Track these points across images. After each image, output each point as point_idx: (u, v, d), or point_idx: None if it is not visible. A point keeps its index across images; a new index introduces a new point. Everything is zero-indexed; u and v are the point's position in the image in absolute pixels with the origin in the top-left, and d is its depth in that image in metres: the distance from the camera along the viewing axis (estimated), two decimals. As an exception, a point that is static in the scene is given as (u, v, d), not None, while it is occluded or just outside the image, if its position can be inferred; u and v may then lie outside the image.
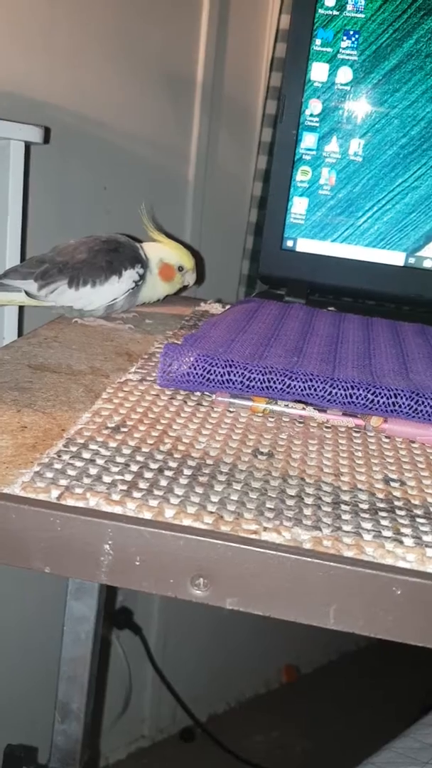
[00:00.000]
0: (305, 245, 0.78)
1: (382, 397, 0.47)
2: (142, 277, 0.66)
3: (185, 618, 1.36)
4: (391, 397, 0.47)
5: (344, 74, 0.73)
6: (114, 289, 0.64)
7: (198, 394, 0.50)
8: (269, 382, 0.48)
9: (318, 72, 0.74)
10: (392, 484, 0.40)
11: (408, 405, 0.46)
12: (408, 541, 0.34)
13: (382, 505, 0.38)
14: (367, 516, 0.36)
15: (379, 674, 1.66)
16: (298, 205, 0.77)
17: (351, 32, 0.72)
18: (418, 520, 0.36)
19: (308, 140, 0.75)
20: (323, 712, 1.55)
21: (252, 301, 0.70)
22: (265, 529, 0.34)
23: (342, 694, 1.61)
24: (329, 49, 0.73)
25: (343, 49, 0.73)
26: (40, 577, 1.02)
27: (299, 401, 0.48)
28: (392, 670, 1.63)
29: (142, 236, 0.71)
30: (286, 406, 0.48)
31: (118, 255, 0.65)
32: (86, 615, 0.69)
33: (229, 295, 1.15)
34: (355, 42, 0.72)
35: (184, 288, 0.73)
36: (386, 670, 1.65)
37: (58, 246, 0.67)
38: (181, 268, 0.69)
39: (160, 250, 0.69)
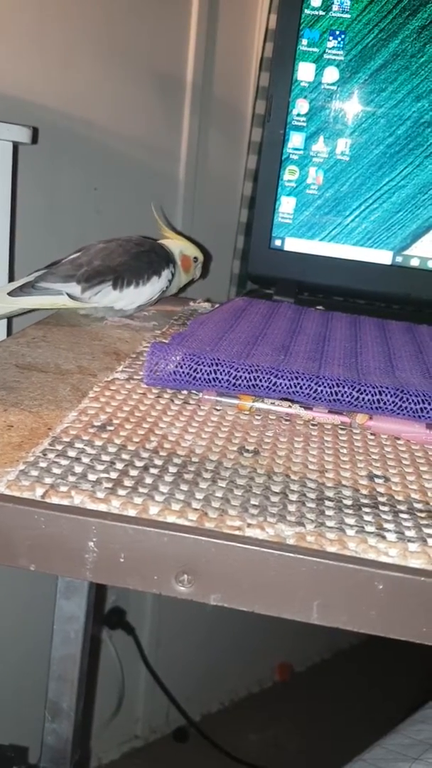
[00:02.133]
0: (293, 244, 0.78)
1: (367, 395, 0.47)
2: (173, 275, 0.71)
3: (178, 617, 1.36)
4: (375, 395, 0.47)
5: (331, 74, 0.74)
6: (153, 288, 0.68)
7: (185, 392, 0.51)
8: (255, 380, 0.48)
9: (305, 72, 0.74)
10: (376, 480, 0.41)
11: (392, 402, 0.47)
12: (391, 536, 0.34)
13: (365, 501, 0.38)
14: (350, 512, 0.36)
15: (373, 672, 1.67)
16: (286, 205, 0.77)
17: (337, 32, 0.73)
18: (401, 515, 0.37)
19: (295, 140, 0.76)
20: (317, 711, 1.56)
21: (240, 300, 0.71)
22: (248, 525, 0.34)
23: (335, 692, 1.62)
24: (315, 49, 0.73)
25: (330, 49, 0.73)
26: (30, 575, 1.02)
27: (285, 399, 0.48)
28: (385, 667, 1.64)
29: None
30: (273, 403, 0.48)
31: (156, 256, 0.69)
32: (76, 614, 0.69)
33: (219, 294, 1.15)
34: (341, 42, 0.73)
35: (192, 282, 0.77)
36: (379, 667, 1.65)
37: (88, 248, 0.68)
38: (195, 259, 0.74)
39: (178, 245, 0.73)
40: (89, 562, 0.33)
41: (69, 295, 0.63)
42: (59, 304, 0.64)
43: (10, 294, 0.62)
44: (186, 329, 0.59)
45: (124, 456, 0.40)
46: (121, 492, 0.35)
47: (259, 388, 0.48)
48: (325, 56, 0.73)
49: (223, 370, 0.48)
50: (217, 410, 0.48)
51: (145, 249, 0.69)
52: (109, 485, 0.36)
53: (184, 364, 0.49)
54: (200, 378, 0.49)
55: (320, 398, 0.48)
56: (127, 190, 1.06)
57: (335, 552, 0.33)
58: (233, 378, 0.48)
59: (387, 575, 0.32)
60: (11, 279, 0.85)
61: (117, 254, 0.66)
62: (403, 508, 0.38)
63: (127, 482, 0.37)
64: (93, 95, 0.98)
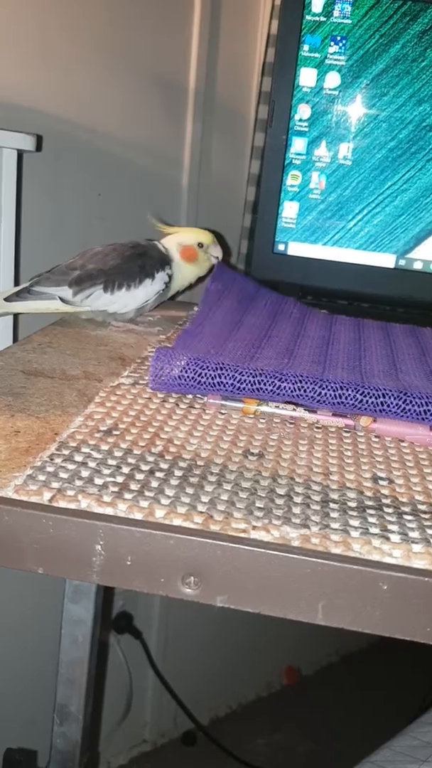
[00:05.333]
0: (296, 249, 0.78)
1: (370, 397, 0.47)
2: (171, 277, 0.69)
3: (186, 621, 1.36)
4: (379, 397, 0.47)
5: (332, 79, 0.74)
6: (147, 291, 0.67)
7: (189, 396, 0.51)
8: (260, 383, 0.48)
9: (306, 77, 0.74)
10: (380, 482, 0.41)
11: (396, 404, 0.47)
12: (395, 538, 0.35)
13: (370, 503, 0.38)
14: (354, 514, 0.37)
15: (380, 675, 1.66)
16: (289, 209, 0.77)
17: (338, 38, 0.73)
18: (405, 516, 0.37)
19: (298, 145, 0.76)
20: (325, 714, 1.55)
21: (214, 286, 0.69)
22: (254, 527, 0.34)
23: (343, 695, 1.61)
24: (317, 55, 0.74)
25: (331, 54, 0.74)
26: (37, 579, 1.02)
27: (290, 402, 0.49)
28: (393, 670, 1.64)
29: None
30: (277, 407, 0.49)
31: (149, 258, 0.68)
32: (84, 617, 0.70)
33: (223, 299, 1.15)
34: (343, 47, 0.73)
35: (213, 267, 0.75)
36: (387, 670, 1.65)
37: (85, 253, 0.68)
38: (201, 245, 0.71)
39: (175, 238, 0.71)
40: (96, 565, 0.34)
41: (61, 299, 0.64)
42: (52, 309, 0.65)
43: (6, 299, 0.63)
44: (190, 327, 0.59)
45: (130, 460, 0.40)
46: (128, 496, 0.36)
47: (264, 391, 0.48)
48: (327, 61, 0.74)
49: (228, 374, 0.49)
50: (222, 414, 0.49)
51: (138, 252, 0.68)
52: (116, 489, 0.36)
53: (189, 369, 0.49)
54: (205, 382, 0.49)
55: (324, 401, 0.48)
56: (130, 195, 1.07)
57: (340, 553, 0.33)
58: (237, 382, 0.49)
59: (391, 576, 0.32)
60: (17, 285, 0.85)
61: (110, 258, 0.67)
62: (407, 509, 0.38)
63: (134, 486, 0.37)
64: (96, 102, 0.98)
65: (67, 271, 0.66)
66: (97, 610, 0.71)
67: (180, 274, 0.71)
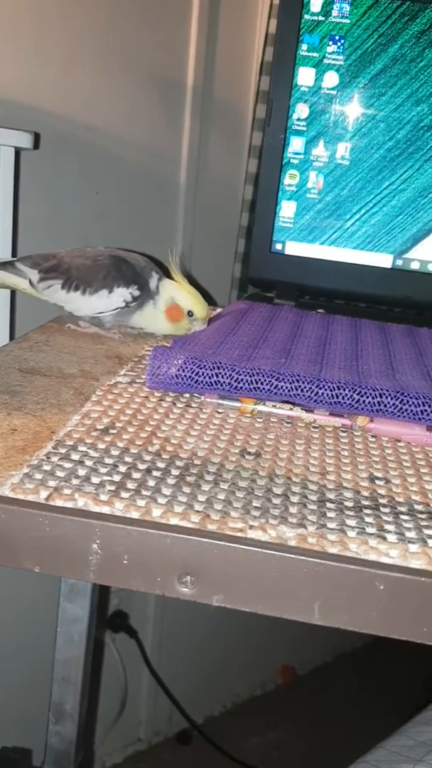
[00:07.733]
0: (294, 248, 0.78)
1: (367, 397, 0.47)
2: (135, 299, 0.64)
3: (181, 620, 1.36)
4: (376, 397, 0.47)
5: (330, 79, 0.74)
6: (102, 302, 0.64)
7: (187, 395, 0.51)
8: (257, 383, 0.48)
9: (304, 76, 0.74)
10: (377, 482, 0.41)
11: (393, 404, 0.47)
12: (391, 538, 0.35)
13: (366, 503, 0.38)
14: (351, 513, 0.37)
15: (375, 674, 1.67)
16: (287, 209, 0.77)
17: (337, 37, 0.73)
18: (402, 516, 0.37)
19: (296, 144, 0.76)
20: (319, 713, 1.56)
21: (241, 304, 0.71)
22: (251, 527, 0.34)
23: (338, 694, 1.62)
24: (315, 54, 0.74)
25: (329, 53, 0.74)
26: (33, 577, 1.02)
27: (287, 402, 0.49)
28: (388, 669, 1.64)
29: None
30: (274, 406, 0.49)
31: (117, 272, 0.64)
32: (79, 616, 0.70)
33: (221, 297, 1.15)
34: (341, 47, 0.73)
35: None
36: (382, 670, 1.66)
37: (75, 249, 0.68)
38: (190, 314, 0.66)
39: (175, 290, 0.65)
40: (93, 564, 0.34)
41: (30, 282, 0.65)
42: (20, 287, 0.65)
43: None
44: (188, 333, 0.59)
45: (127, 459, 0.40)
46: (124, 494, 0.36)
47: (261, 391, 0.48)
48: (325, 61, 0.74)
49: (225, 374, 0.49)
50: (219, 413, 0.49)
51: (110, 262, 0.65)
52: (113, 488, 0.36)
53: (186, 368, 0.49)
54: (202, 381, 0.49)
55: (321, 401, 0.48)
56: (128, 194, 1.06)
57: (336, 553, 0.33)
58: (235, 381, 0.49)
59: (388, 576, 0.32)
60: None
61: (83, 258, 0.65)
62: (403, 509, 0.38)
63: (130, 485, 0.37)
64: (94, 100, 0.98)
65: (48, 258, 0.66)
66: (93, 608, 0.71)
67: (152, 318, 0.66)
